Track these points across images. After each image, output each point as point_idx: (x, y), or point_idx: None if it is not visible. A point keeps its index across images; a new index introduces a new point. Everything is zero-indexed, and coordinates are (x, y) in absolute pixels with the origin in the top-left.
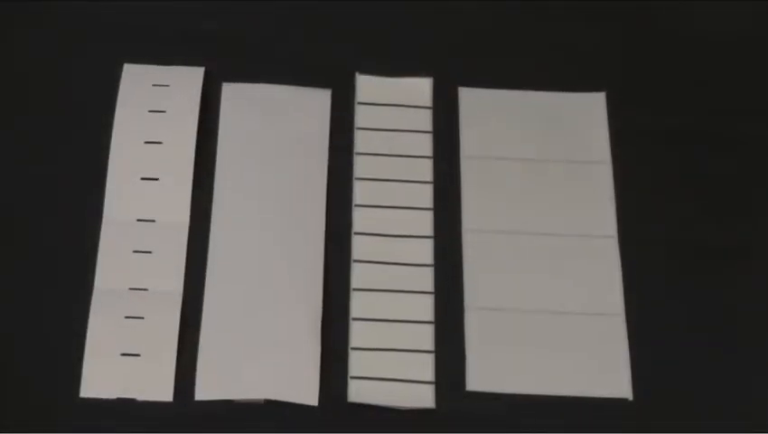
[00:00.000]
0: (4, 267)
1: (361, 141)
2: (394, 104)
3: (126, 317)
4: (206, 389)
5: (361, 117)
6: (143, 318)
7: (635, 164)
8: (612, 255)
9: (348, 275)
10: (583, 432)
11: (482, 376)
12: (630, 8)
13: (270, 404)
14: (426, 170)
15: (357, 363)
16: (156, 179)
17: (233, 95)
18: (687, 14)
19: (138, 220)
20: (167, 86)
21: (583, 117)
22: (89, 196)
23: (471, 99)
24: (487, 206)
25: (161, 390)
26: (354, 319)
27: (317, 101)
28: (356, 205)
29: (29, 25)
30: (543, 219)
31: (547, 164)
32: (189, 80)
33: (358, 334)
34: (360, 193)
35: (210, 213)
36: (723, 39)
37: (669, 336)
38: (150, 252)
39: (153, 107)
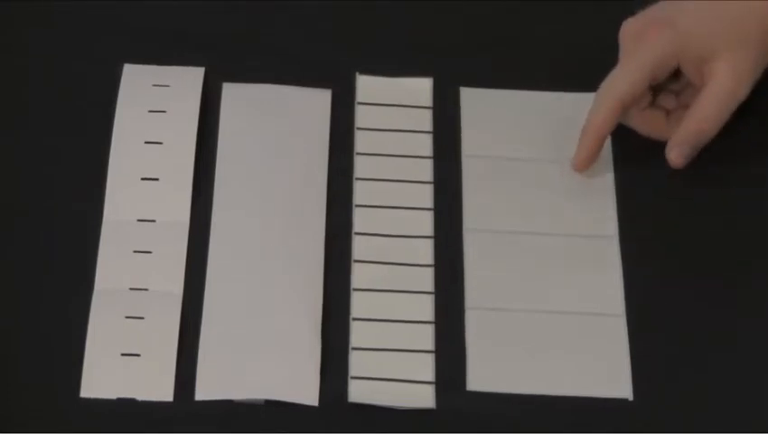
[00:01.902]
0: (4, 266)
1: (361, 141)
2: (394, 104)
3: (127, 317)
4: (206, 389)
5: (361, 117)
6: (143, 318)
7: (636, 163)
8: (612, 255)
9: (348, 275)
10: (583, 432)
11: (482, 376)
12: (630, 8)
13: (270, 404)
14: (426, 170)
15: (357, 363)
16: (156, 179)
17: (233, 95)
18: None
19: (138, 220)
20: (167, 86)
21: (583, 118)
22: (89, 196)
23: (472, 99)
24: (488, 206)
25: (161, 390)
26: (354, 319)
27: (317, 101)
28: (356, 205)
29: (29, 25)
30: (543, 219)
31: (547, 164)
32: (189, 80)
33: (358, 334)
34: (360, 193)
35: (211, 213)
36: None
37: (669, 336)
38: (150, 252)
39: (153, 107)
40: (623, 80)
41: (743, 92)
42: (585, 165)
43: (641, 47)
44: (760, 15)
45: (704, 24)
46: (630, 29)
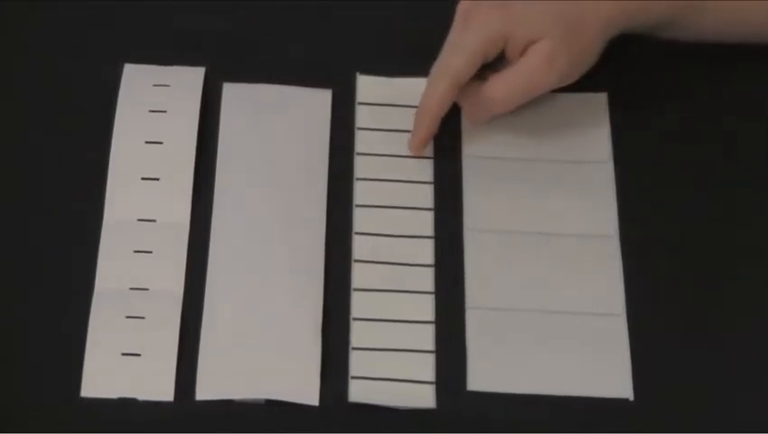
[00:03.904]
0: (4, 266)
1: (361, 141)
2: (394, 104)
3: (127, 317)
4: (207, 388)
5: (361, 117)
6: (143, 318)
7: (636, 164)
8: (612, 255)
9: (348, 275)
10: (583, 432)
11: (482, 376)
12: None
13: (270, 404)
14: (426, 170)
15: (357, 363)
16: (157, 179)
17: (233, 95)
18: None
19: (139, 219)
20: (167, 86)
21: (584, 117)
22: (89, 196)
23: None
24: (488, 206)
25: (161, 389)
26: (355, 319)
27: (317, 101)
28: (356, 205)
29: (29, 25)
30: (544, 219)
31: (548, 164)
32: (189, 79)
33: (358, 334)
34: (361, 193)
35: (211, 213)
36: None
37: (670, 336)
38: (150, 252)
39: (153, 107)
40: (457, 60)
41: (547, 80)
42: (422, 146)
43: (472, 25)
44: (596, 14)
45: (536, 9)
46: (464, 6)
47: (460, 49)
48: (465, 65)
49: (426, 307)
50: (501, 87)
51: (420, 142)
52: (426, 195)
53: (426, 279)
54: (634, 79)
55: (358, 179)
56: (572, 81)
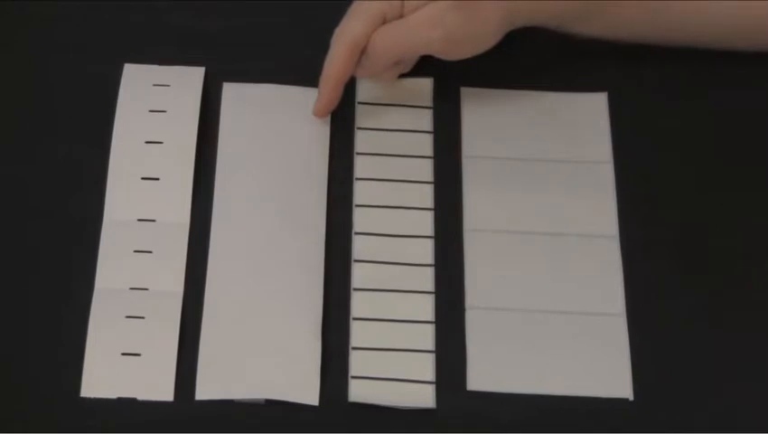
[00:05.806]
0: (5, 266)
1: (361, 141)
2: (394, 104)
3: (127, 317)
4: (207, 388)
5: (361, 117)
6: (143, 318)
7: (636, 164)
8: (612, 255)
9: (348, 275)
10: (583, 432)
11: (482, 376)
12: None
13: (270, 404)
14: (426, 170)
15: (357, 363)
16: (157, 179)
17: (233, 95)
18: None
19: (139, 219)
20: (167, 86)
21: (584, 117)
22: (90, 196)
23: (473, 99)
24: (488, 206)
25: (161, 389)
26: (355, 319)
27: None
28: (356, 205)
29: (29, 25)
30: (544, 219)
31: (547, 164)
32: (189, 79)
33: (358, 334)
34: (361, 193)
35: (211, 213)
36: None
37: (670, 336)
38: (150, 252)
39: (153, 107)
40: (355, 24)
41: (430, 36)
42: (325, 111)
43: None
44: None
45: None
46: None
47: (358, 13)
48: (363, 29)
49: (425, 307)
50: (383, 36)
51: (324, 107)
52: (426, 195)
53: (426, 279)
54: (634, 79)
55: (358, 179)
56: (463, 56)
